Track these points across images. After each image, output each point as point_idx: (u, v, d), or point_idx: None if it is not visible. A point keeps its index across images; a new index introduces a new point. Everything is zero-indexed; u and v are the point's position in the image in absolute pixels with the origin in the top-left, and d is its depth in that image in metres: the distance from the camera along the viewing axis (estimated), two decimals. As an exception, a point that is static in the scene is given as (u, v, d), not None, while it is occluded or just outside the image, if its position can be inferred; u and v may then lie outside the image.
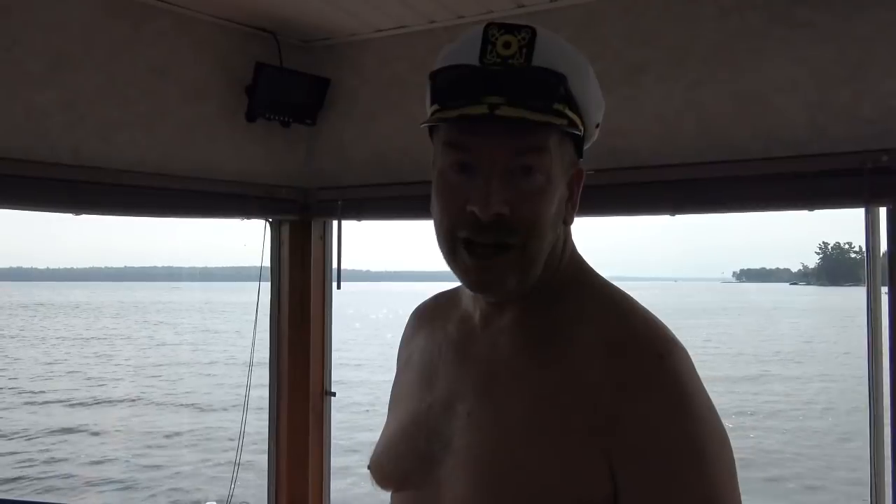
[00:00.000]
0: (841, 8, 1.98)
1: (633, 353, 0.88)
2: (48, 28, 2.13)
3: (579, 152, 0.96)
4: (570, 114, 0.89)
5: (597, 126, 0.98)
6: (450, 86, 0.89)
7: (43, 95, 2.12)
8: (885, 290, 2.00)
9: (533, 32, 0.88)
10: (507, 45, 0.88)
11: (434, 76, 0.92)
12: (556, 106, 0.87)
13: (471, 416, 0.94)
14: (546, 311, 0.95)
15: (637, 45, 2.23)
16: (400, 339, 1.18)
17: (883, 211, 1.99)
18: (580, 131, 0.92)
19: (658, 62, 2.20)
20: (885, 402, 2.00)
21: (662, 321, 0.93)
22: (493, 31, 0.88)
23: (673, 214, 2.23)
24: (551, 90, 0.87)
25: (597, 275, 1.01)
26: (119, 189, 2.28)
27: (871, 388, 2.04)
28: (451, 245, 0.91)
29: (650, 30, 2.22)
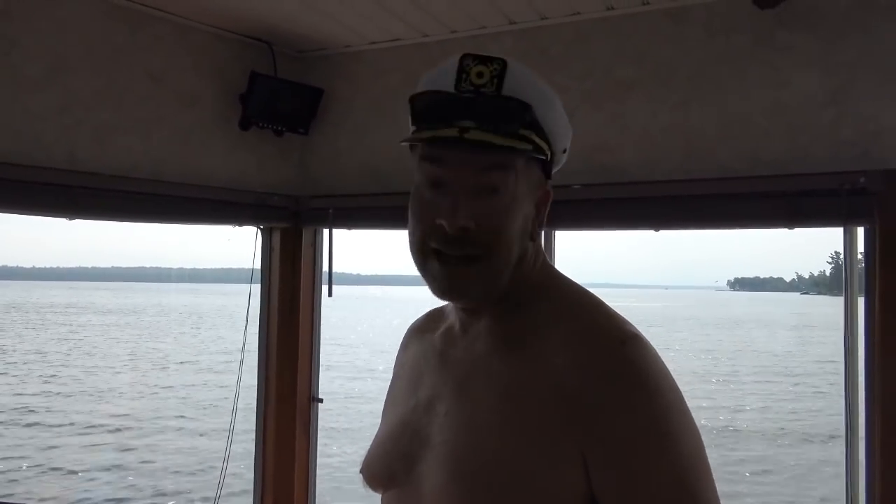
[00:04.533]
0: (823, 33, 2.05)
1: (594, 341, 0.93)
2: (46, 32, 2.15)
3: (548, 174, 1.03)
4: (536, 139, 0.96)
5: (564, 151, 1.05)
6: (426, 109, 0.96)
7: (39, 99, 2.14)
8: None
9: (504, 64, 0.95)
10: (480, 74, 0.94)
11: (413, 100, 0.99)
12: (523, 132, 0.94)
13: (447, 414, 1.00)
14: (518, 316, 1.01)
15: (625, 63, 2.29)
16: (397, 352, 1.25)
17: (860, 230, 2.05)
18: (546, 156, 0.99)
19: (645, 81, 2.26)
20: (860, 410, 2.05)
21: (628, 320, 0.99)
22: (468, 61, 0.95)
23: (657, 230, 2.28)
24: (518, 117, 0.94)
25: (568, 281, 1.07)
26: (113, 194, 2.30)
27: (848, 397, 2.09)
28: (422, 254, 0.98)
29: (638, 49, 2.27)
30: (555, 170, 1.05)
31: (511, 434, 0.92)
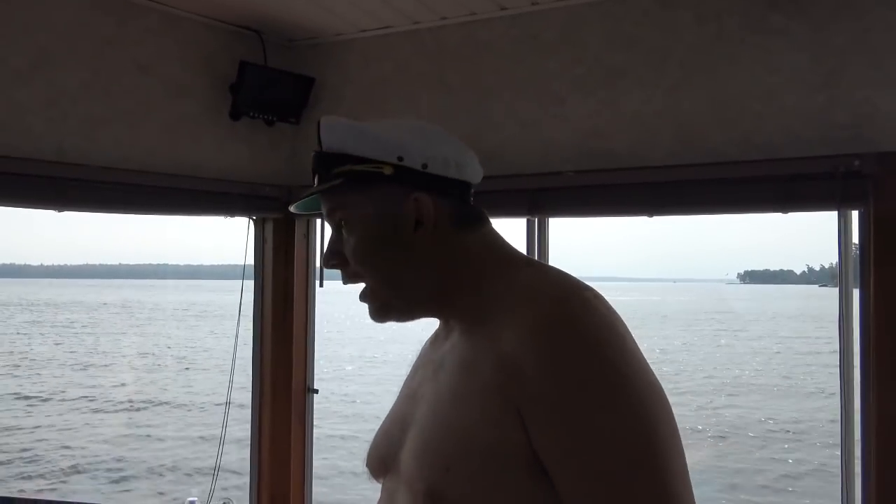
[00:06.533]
0: (815, 17, 2.03)
1: (532, 304, 0.95)
2: (32, 24, 2.13)
3: (417, 186, 1.05)
4: (357, 168, 1.04)
5: (424, 167, 1.05)
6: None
7: (26, 92, 2.13)
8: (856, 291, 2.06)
9: (318, 124, 1.08)
10: (317, 140, 1.08)
11: None
12: (339, 170, 1.05)
13: (423, 397, 1.07)
14: (478, 302, 1.05)
15: (617, 49, 2.27)
16: None
17: (855, 214, 2.05)
18: (380, 171, 1.04)
19: (637, 66, 2.24)
20: (855, 401, 2.05)
21: (588, 285, 0.99)
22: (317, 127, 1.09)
23: (651, 216, 2.27)
24: (327, 162, 1.06)
25: (532, 262, 1.13)
26: (103, 186, 2.29)
27: (843, 388, 2.09)
28: None
29: (629, 34, 2.26)
30: (435, 171, 1.05)
31: (458, 403, 0.97)
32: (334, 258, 1.09)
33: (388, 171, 1.04)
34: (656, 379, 0.94)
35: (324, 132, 1.07)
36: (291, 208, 1.13)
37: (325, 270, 2.85)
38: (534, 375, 0.90)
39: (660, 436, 0.89)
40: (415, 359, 1.27)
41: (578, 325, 0.91)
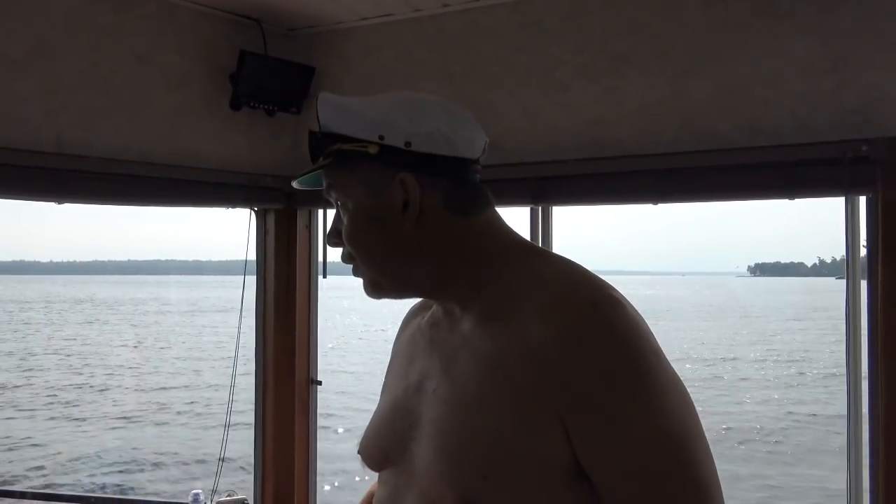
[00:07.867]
0: (823, 0, 2.00)
1: (566, 307, 0.93)
2: (29, 13, 2.11)
3: (401, 166, 1.01)
4: (345, 147, 1.02)
5: (407, 144, 1.01)
6: None
7: (23, 82, 2.10)
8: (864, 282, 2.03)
9: (316, 101, 1.06)
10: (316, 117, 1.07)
11: None
12: (329, 149, 1.03)
13: (435, 392, 1.02)
14: (488, 290, 1.01)
15: (621, 35, 2.24)
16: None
17: (863, 200, 2.02)
18: (365, 150, 1.01)
19: (642, 52, 2.21)
20: (863, 392, 2.03)
21: (608, 282, 0.98)
22: None
23: (656, 203, 2.24)
24: (319, 142, 1.05)
25: (539, 250, 1.10)
26: (102, 177, 2.27)
27: (850, 378, 2.07)
28: None
29: (634, 20, 2.23)
30: (423, 149, 1.01)
31: (491, 406, 0.94)
32: (334, 237, 1.09)
33: (373, 150, 1.01)
34: (678, 376, 0.95)
35: (319, 110, 1.05)
36: (294, 183, 1.12)
37: (328, 263, 2.83)
38: (577, 382, 0.89)
39: (692, 433, 0.92)
40: (398, 338, 1.22)
41: (614, 330, 0.91)
